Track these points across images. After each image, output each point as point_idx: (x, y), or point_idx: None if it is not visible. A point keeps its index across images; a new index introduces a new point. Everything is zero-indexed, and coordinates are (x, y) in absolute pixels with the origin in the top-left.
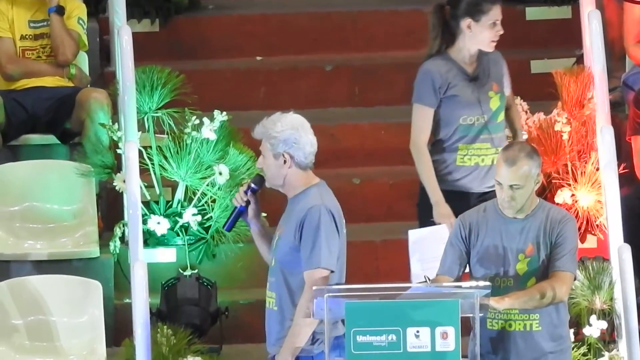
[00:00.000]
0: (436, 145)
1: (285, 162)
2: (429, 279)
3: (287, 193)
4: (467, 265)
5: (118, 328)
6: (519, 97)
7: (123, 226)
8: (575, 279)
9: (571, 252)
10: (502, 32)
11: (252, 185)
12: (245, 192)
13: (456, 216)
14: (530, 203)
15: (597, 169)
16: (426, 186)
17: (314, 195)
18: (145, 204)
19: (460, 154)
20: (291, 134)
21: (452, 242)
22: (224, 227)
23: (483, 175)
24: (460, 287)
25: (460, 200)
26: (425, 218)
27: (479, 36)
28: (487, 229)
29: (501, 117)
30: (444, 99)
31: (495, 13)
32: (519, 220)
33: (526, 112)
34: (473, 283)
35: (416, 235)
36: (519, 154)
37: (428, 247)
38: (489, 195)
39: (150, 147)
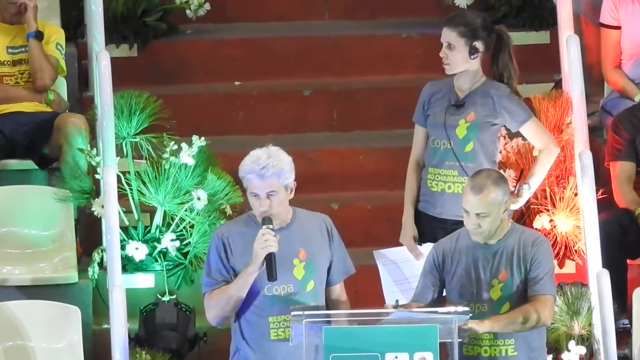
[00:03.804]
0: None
1: (291, 191)
2: (397, 303)
3: (284, 221)
4: (443, 291)
5: (96, 353)
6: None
7: (101, 251)
8: (555, 301)
9: (548, 274)
10: (447, 57)
11: (271, 226)
12: (274, 235)
13: (429, 239)
14: (501, 228)
15: (576, 194)
16: None
17: (306, 211)
18: (124, 229)
19: (430, 178)
20: (292, 161)
21: (426, 269)
22: (272, 279)
23: (453, 203)
24: (439, 312)
25: (436, 225)
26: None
27: None
28: (460, 256)
29: (470, 147)
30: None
31: (442, 33)
32: (490, 246)
33: (504, 136)
34: (452, 308)
35: (382, 256)
36: (486, 182)
37: (395, 268)
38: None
39: (129, 172)
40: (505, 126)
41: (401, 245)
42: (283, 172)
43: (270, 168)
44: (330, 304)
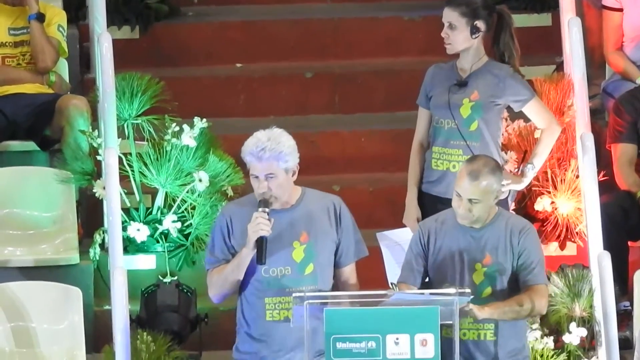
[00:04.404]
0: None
1: (294, 173)
2: (394, 286)
3: (288, 203)
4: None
5: (98, 335)
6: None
7: (103, 233)
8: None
9: (539, 263)
10: (448, 37)
11: (267, 209)
12: (269, 219)
13: None
14: (488, 213)
15: (577, 177)
16: None
17: (317, 192)
18: (125, 210)
19: (434, 157)
20: (294, 144)
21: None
22: (260, 262)
23: None
24: (439, 293)
25: (440, 207)
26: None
27: None
28: (445, 237)
29: (474, 126)
30: (430, 100)
31: (444, 14)
32: (476, 230)
33: (506, 119)
34: (453, 290)
35: (385, 238)
36: (483, 169)
37: (398, 249)
38: None
39: (130, 154)
40: (507, 107)
41: (404, 226)
42: (282, 155)
43: (268, 151)
44: (340, 286)
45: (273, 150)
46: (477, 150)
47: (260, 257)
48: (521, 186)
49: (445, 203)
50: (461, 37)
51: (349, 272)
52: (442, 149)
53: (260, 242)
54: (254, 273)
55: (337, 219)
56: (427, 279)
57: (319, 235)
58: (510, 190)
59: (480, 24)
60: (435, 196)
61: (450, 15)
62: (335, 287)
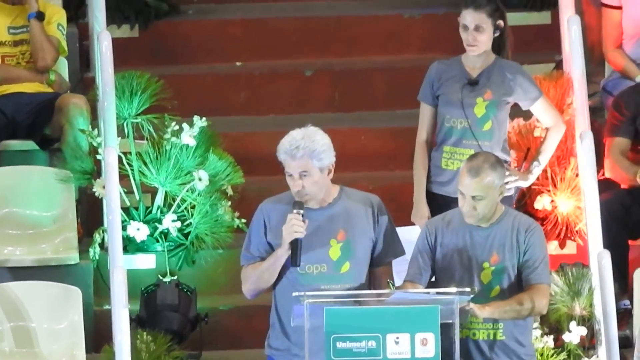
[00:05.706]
0: (435, 146)
1: (329, 172)
2: (392, 284)
3: (325, 201)
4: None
5: (98, 334)
6: None
7: (103, 232)
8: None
9: (543, 262)
10: (475, 39)
11: (301, 211)
12: (303, 221)
13: None
14: (495, 211)
15: (577, 175)
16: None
17: (356, 191)
18: (125, 210)
19: (445, 157)
20: (329, 143)
21: (419, 248)
22: (295, 265)
23: None
24: (439, 292)
25: (454, 206)
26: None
27: None
28: (452, 236)
29: (488, 126)
30: (438, 98)
31: (464, 17)
32: (483, 229)
33: None
34: (453, 289)
35: None
36: (483, 165)
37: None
38: None
39: (130, 153)
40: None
41: (409, 224)
42: (315, 153)
43: (302, 149)
44: (375, 285)
45: (307, 149)
46: (487, 149)
47: (294, 259)
48: (527, 183)
49: (454, 203)
50: (486, 38)
51: (384, 271)
52: (453, 148)
53: (295, 244)
54: (289, 269)
55: (375, 218)
56: (433, 278)
57: (357, 233)
58: (515, 187)
59: (501, 22)
60: (447, 196)
61: (477, 17)
62: (369, 286)
